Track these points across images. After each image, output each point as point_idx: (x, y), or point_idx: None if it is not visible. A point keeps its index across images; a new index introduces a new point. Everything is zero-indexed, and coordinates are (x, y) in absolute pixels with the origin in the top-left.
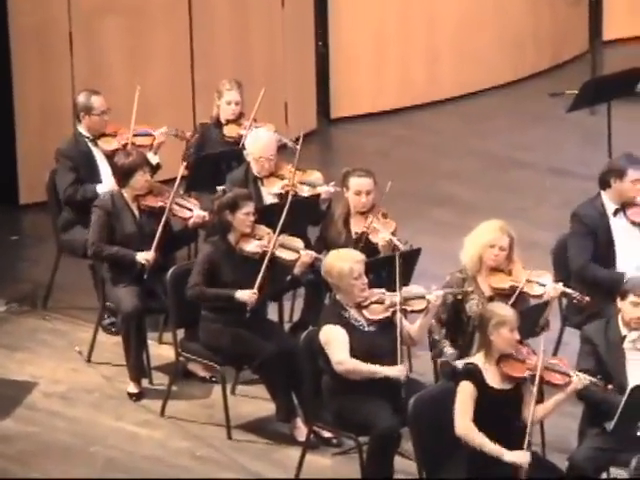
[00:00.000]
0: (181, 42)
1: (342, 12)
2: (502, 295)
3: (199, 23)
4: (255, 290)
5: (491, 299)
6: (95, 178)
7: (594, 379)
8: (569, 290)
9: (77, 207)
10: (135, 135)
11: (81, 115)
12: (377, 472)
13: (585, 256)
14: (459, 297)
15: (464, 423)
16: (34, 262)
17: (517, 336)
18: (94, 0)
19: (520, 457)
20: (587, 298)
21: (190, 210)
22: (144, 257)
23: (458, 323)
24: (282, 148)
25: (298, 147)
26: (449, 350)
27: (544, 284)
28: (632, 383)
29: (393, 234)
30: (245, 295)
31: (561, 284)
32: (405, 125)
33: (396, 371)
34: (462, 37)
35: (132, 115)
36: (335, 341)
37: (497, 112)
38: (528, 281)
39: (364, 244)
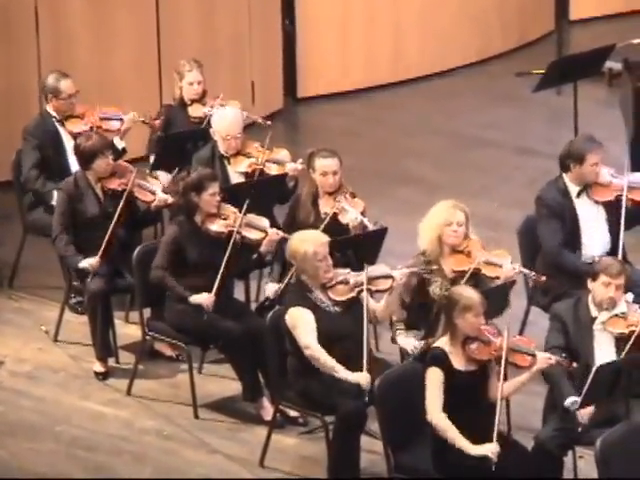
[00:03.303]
0: (147, 21)
1: None
2: (463, 276)
3: (165, 2)
4: (212, 295)
5: (453, 281)
6: (61, 158)
7: (559, 357)
8: (526, 270)
9: (33, 192)
10: (104, 118)
11: (49, 96)
12: (343, 451)
13: (556, 240)
14: (425, 276)
15: (436, 413)
16: (0, 241)
17: (482, 320)
18: None
19: (489, 449)
20: (543, 278)
21: (153, 193)
22: (89, 262)
23: (420, 306)
24: (248, 127)
25: (269, 123)
26: (403, 337)
27: (501, 265)
28: (598, 361)
29: (362, 214)
30: (201, 299)
31: (518, 264)
32: (371, 104)
33: (360, 378)
34: (428, 16)
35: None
36: (302, 325)
37: (463, 92)
38: (486, 262)
39: (334, 224)
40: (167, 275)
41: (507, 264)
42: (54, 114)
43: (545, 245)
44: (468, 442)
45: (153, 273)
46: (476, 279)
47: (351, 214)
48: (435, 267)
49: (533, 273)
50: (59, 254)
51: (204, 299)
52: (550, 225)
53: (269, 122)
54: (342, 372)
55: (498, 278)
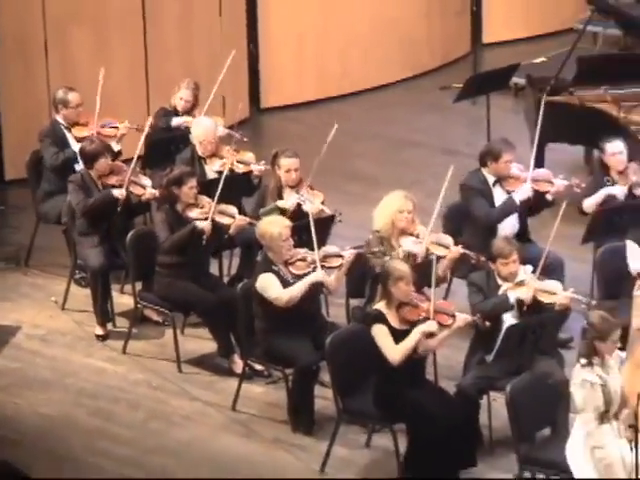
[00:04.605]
0: (137, 45)
1: (269, 19)
2: (414, 256)
3: (151, 31)
4: (209, 222)
5: (404, 259)
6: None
7: (474, 317)
8: (468, 251)
9: (58, 174)
10: (103, 126)
11: (59, 107)
12: (300, 398)
13: (486, 208)
14: (368, 256)
15: (394, 352)
16: (16, 228)
17: (412, 287)
18: (64, 12)
19: (430, 326)
20: (483, 258)
21: (143, 187)
22: (120, 192)
23: (360, 276)
24: (229, 137)
25: (246, 139)
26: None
27: (447, 246)
28: (506, 323)
29: (322, 203)
30: (203, 224)
31: (460, 247)
32: (322, 113)
33: (317, 275)
34: (369, 40)
35: (97, 102)
36: (271, 285)
37: (397, 102)
38: (433, 243)
39: (295, 213)
40: (172, 237)
41: (452, 245)
42: (62, 122)
43: (478, 216)
44: (414, 339)
45: (166, 245)
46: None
47: (312, 204)
48: (386, 246)
49: (474, 254)
50: (93, 206)
51: (204, 223)
52: (477, 201)
53: (246, 139)
54: (307, 280)
55: (444, 257)
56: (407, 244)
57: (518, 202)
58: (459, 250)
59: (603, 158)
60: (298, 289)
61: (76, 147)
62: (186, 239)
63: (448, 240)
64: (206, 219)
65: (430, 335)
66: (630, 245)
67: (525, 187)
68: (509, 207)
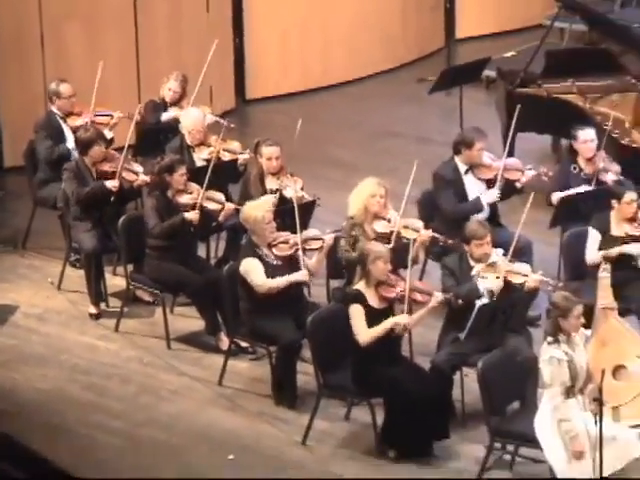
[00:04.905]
0: (128, 40)
1: (254, 15)
2: (383, 238)
3: (143, 26)
4: (197, 211)
5: (375, 241)
6: (63, 147)
7: (447, 296)
8: (437, 235)
9: (52, 166)
10: (98, 115)
11: (53, 98)
12: (283, 373)
13: (452, 201)
14: (352, 237)
15: (364, 334)
16: (14, 213)
17: (389, 267)
18: (59, 9)
19: (402, 319)
20: (450, 241)
21: (136, 174)
22: (112, 184)
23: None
24: (216, 124)
25: (233, 125)
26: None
27: (417, 229)
28: (478, 303)
29: (302, 189)
30: (191, 215)
31: (430, 230)
32: (304, 104)
33: (300, 275)
34: (350, 35)
35: (93, 93)
36: (254, 270)
37: (376, 94)
38: (404, 227)
39: (277, 197)
40: (161, 224)
41: (422, 229)
42: (57, 112)
43: (444, 208)
44: (384, 327)
45: (155, 231)
46: (395, 240)
47: (292, 189)
48: (359, 230)
49: (443, 237)
50: (87, 196)
51: (192, 214)
52: (445, 193)
53: (233, 125)
54: (289, 278)
55: (415, 240)
56: (379, 228)
57: (485, 204)
58: (428, 234)
59: (574, 144)
60: (279, 283)
61: (71, 138)
62: (175, 228)
63: (418, 224)
64: (194, 207)
65: (403, 328)
66: (591, 233)
67: (492, 192)
68: (474, 207)
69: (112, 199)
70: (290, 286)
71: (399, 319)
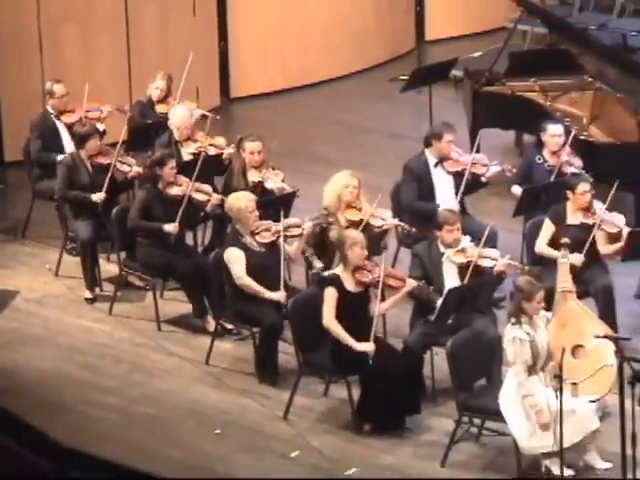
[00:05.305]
0: (120, 42)
1: (237, 19)
2: (354, 225)
3: (133, 29)
4: (176, 224)
5: (347, 227)
6: (58, 145)
7: (420, 283)
8: (401, 223)
9: (42, 166)
10: (89, 110)
11: (47, 98)
12: (266, 352)
13: (411, 195)
14: (324, 226)
15: (329, 319)
16: (15, 204)
17: (366, 253)
18: (56, 11)
19: (367, 347)
20: (414, 229)
21: (129, 166)
22: (98, 197)
23: (322, 246)
24: (203, 118)
25: (218, 117)
26: (318, 263)
27: (385, 218)
28: (447, 286)
29: (283, 181)
30: (170, 227)
31: (397, 219)
32: (285, 102)
33: (277, 296)
34: (326, 36)
35: (84, 99)
36: (235, 261)
37: (351, 92)
38: (372, 215)
39: (259, 190)
40: (140, 221)
41: (389, 218)
42: (52, 111)
43: (402, 199)
44: (353, 340)
45: (130, 224)
46: (364, 227)
47: (274, 182)
48: (333, 219)
49: (407, 225)
50: (70, 199)
51: (172, 227)
52: (409, 186)
53: (218, 117)
54: (265, 293)
55: (381, 227)
56: (350, 216)
57: (440, 209)
58: (394, 222)
59: (542, 136)
60: (256, 288)
61: (65, 135)
62: (149, 232)
63: (386, 214)
64: (183, 198)
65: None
66: (545, 223)
67: (451, 202)
68: (427, 210)
69: (99, 209)
70: (270, 273)
71: (368, 347)
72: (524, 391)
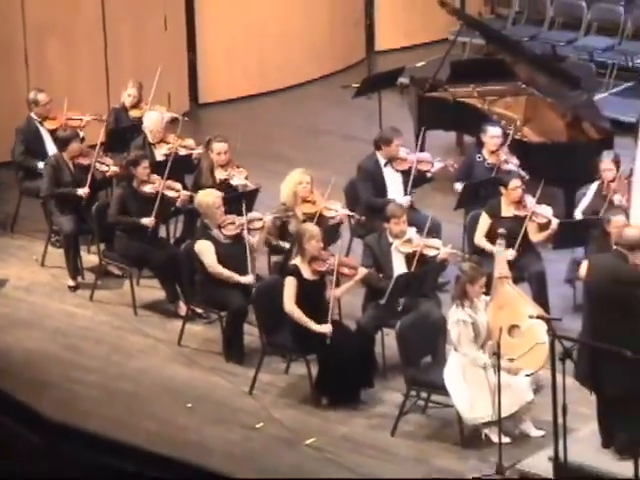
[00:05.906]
0: (98, 54)
1: (205, 32)
2: (310, 217)
3: (111, 41)
4: (152, 218)
5: (304, 222)
6: (41, 148)
7: (371, 270)
8: (352, 213)
9: (25, 169)
10: (69, 118)
11: (32, 106)
12: (232, 334)
13: (368, 193)
14: (284, 219)
15: (290, 305)
16: (5, 201)
17: (321, 244)
18: (40, 23)
19: (324, 328)
20: (363, 218)
21: (108, 166)
22: (83, 191)
23: (284, 237)
24: (175, 121)
25: (187, 119)
26: (285, 245)
27: (337, 210)
28: (396, 273)
29: (246, 178)
30: (147, 221)
31: (347, 210)
32: (248, 107)
33: (246, 279)
34: (284, 47)
35: (64, 110)
36: (206, 252)
37: (308, 98)
38: (326, 208)
39: (225, 186)
40: (120, 216)
41: (340, 209)
42: (35, 118)
43: (361, 197)
44: (313, 323)
45: (110, 219)
46: (319, 219)
47: (238, 180)
48: (291, 213)
49: (357, 215)
50: (56, 196)
51: (148, 221)
52: (364, 185)
53: (187, 118)
54: (235, 277)
55: (334, 218)
56: (305, 209)
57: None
58: (345, 212)
59: (482, 137)
60: (226, 274)
61: (48, 139)
62: (127, 226)
63: (337, 206)
64: (156, 195)
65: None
66: (482, 217)
67: (406, 198)
68: (382, 205)
69: (83, 203)
70: (237, 262)
71: (322, 329)
72: (480, 362)
